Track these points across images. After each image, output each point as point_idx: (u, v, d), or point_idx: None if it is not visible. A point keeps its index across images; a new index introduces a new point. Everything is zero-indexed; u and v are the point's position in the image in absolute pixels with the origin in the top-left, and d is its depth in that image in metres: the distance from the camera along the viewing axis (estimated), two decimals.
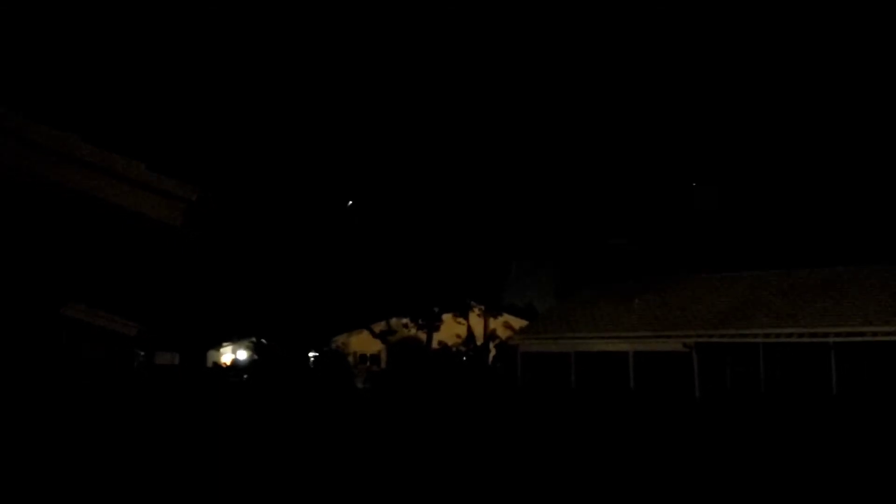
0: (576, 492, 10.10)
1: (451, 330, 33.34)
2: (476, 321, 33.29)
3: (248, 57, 28.51)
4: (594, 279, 29.81)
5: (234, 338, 42.22)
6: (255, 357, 35.46)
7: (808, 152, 33.75)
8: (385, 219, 31.54)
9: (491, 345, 32.54)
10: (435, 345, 32.96)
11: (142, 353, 35.19)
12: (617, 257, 33.70)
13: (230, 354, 44.20)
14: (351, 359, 36.37)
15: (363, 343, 37.45)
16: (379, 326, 35.15)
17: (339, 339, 37.51)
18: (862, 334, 18.82)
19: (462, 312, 33.05)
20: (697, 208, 35.93)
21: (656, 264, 32.18)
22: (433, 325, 33.25)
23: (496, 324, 33.48)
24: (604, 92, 32.26)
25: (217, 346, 43.10)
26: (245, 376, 34.00)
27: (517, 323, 32.44)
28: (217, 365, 40.57)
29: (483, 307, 33.32)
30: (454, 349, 32.52)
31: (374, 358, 37.83)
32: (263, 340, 34.75)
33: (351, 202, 31.44)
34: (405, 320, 34.26)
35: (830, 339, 19.20)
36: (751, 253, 31.91)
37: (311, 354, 35.35)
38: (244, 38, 28.09)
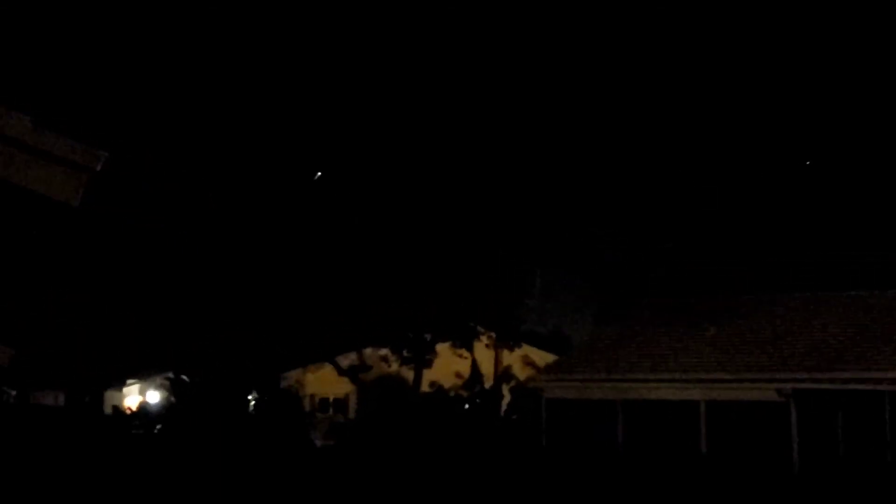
0: None
1: (448, 366, 33.17)
2: (484, 354, 33.31)
3: (243, 52, 30.92)
4: (646, 296, 29.96)
5: (144, 372, 42.06)
6: (173, 400, 35.33)
7: None
8: (364, 212, 31.61)
9: (504, 387, 32.53)
10: (425, 387, 32.86)
11: (12, 392, 34.89)
12: (676, 266, 33.68)
13: (137, 396, 44.05)
14: (307, 403, 36.36)
15: (325, 382, 37.42)
16: (348, 359, 35.09)
17: (292, 376, 37.44)
18: None
19: (464, 342, 32.98)
20: (786, 202, 35.92)
21: (731, 278, 32.11)
22: (423, 358, 33.18)
23: (512, 358, 33.55)
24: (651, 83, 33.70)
25: (120, 383, 42.90)
26: (158, 427, 33.81)
27: (541, 357, 32.54)
28: (118, 410, 40.29)
29: (493, 335, 33.34)
30: (453, 393, 32.40)
31: (340, 403, 37.88)
32: (184, 377, 34.62)
33: (319, 174, 32.31)
34: (384, 352, 34.28)
35: None
36: (864, 266, 31.82)
37: (250, 397, 35.23)
38: (239, 31, 30.67)
